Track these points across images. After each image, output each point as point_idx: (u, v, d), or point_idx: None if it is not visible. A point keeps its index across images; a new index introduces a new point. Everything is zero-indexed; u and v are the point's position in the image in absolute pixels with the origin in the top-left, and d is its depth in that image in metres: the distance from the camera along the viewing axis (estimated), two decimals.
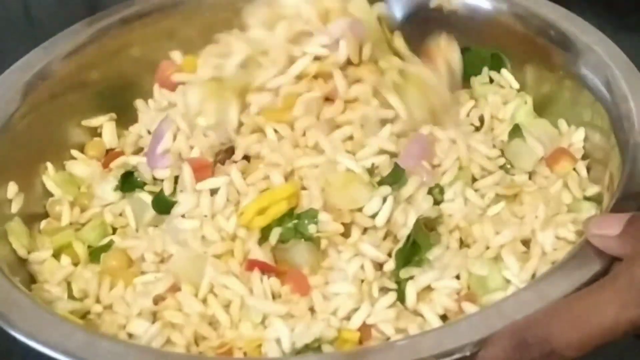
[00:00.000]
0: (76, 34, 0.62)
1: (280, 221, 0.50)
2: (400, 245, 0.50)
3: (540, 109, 0.61)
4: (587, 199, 0.53)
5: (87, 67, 0.62)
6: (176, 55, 0.63)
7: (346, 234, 0.51)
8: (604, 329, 0.37)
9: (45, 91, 0.59)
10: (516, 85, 0.63)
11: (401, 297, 0.49)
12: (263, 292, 0.48)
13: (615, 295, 0.37)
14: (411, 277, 0.49)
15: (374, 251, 0.50)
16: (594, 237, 0.43)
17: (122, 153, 0.61)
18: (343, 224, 0.50)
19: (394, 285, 0.49)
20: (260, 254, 0.50)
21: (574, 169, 0.55)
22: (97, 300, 0.51)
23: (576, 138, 0.57)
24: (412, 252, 0.50)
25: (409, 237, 0.50)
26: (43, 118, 0.59)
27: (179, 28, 0.65)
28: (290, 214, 0.50)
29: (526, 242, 0.51)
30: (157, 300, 0.49)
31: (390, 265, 0.50)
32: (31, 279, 0.53)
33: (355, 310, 0.47)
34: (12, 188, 0.55)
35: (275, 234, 0.50)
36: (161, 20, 0.65)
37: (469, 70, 0.63)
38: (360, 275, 0.49)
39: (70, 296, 0.52)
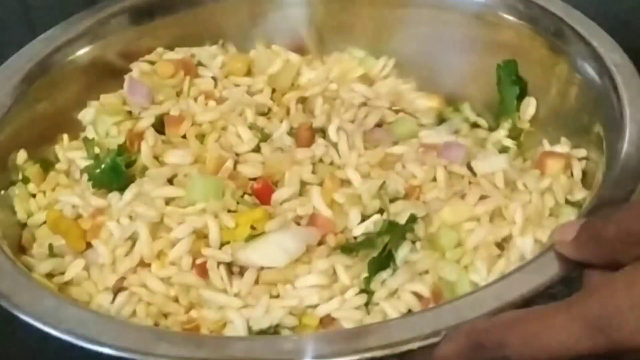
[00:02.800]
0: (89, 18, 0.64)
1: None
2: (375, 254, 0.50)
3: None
4: (573, 204, 0.52)
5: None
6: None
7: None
8: (555, 352, 0.37)
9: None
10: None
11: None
12: (220, 282, 0.49)
13: (569, 324, 0.37)
14: (381, 283, 0.49)
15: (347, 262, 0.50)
16: (555, 242, 0.43)
17: None
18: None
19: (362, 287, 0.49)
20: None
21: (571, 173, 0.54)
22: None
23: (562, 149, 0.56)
24: (386, 262, 0.49)
25: (385, 247, 0.49)
26: (59, 96, 0.61)
27: (180, 19, 0.66)
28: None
29: (499, 244, 0.50)
30: (119, 283, 0.50)
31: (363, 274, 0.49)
32: (28, 244, 0.55)
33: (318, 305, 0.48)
34: (21, 155, 0.57)
35: (228, 253, 0.50)
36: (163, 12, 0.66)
37: None
38: (330, 271, 0.49)
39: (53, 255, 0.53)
